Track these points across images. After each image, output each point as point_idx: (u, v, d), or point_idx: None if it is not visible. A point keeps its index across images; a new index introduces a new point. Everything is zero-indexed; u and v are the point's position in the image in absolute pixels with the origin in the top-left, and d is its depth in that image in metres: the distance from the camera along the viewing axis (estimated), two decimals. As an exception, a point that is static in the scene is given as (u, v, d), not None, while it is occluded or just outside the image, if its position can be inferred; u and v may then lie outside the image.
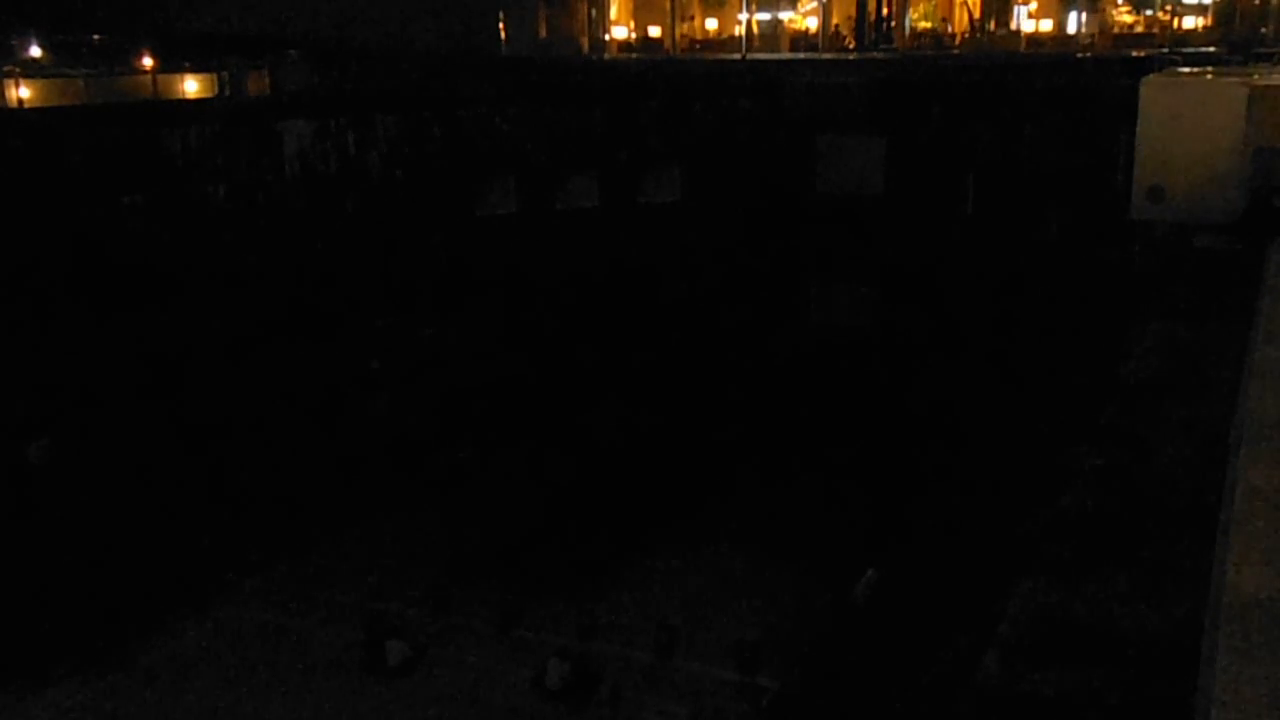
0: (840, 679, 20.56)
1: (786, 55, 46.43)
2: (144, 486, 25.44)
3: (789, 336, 32.12)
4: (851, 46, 49.07)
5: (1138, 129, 15.26)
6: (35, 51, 39.63)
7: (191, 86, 35.88)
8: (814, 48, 47.62)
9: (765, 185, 32.09)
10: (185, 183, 27.97)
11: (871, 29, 49.72)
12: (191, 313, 27.43)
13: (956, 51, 46.43)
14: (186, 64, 36.22)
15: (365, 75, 36.98)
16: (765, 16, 51.24)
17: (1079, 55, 38.28)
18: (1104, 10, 48.11)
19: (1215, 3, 46.24)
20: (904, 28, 49.68)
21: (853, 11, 50.57)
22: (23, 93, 32.12)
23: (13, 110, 30.90)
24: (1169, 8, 45.15)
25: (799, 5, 53.08)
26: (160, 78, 35.89)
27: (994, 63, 37.49)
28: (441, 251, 30.95)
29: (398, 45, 39.42)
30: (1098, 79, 29.36)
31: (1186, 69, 21.12)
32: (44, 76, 34.21)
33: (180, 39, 38.99)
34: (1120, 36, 46.15)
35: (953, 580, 18.44)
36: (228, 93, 34.77)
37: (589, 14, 47.62)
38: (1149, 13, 48.15)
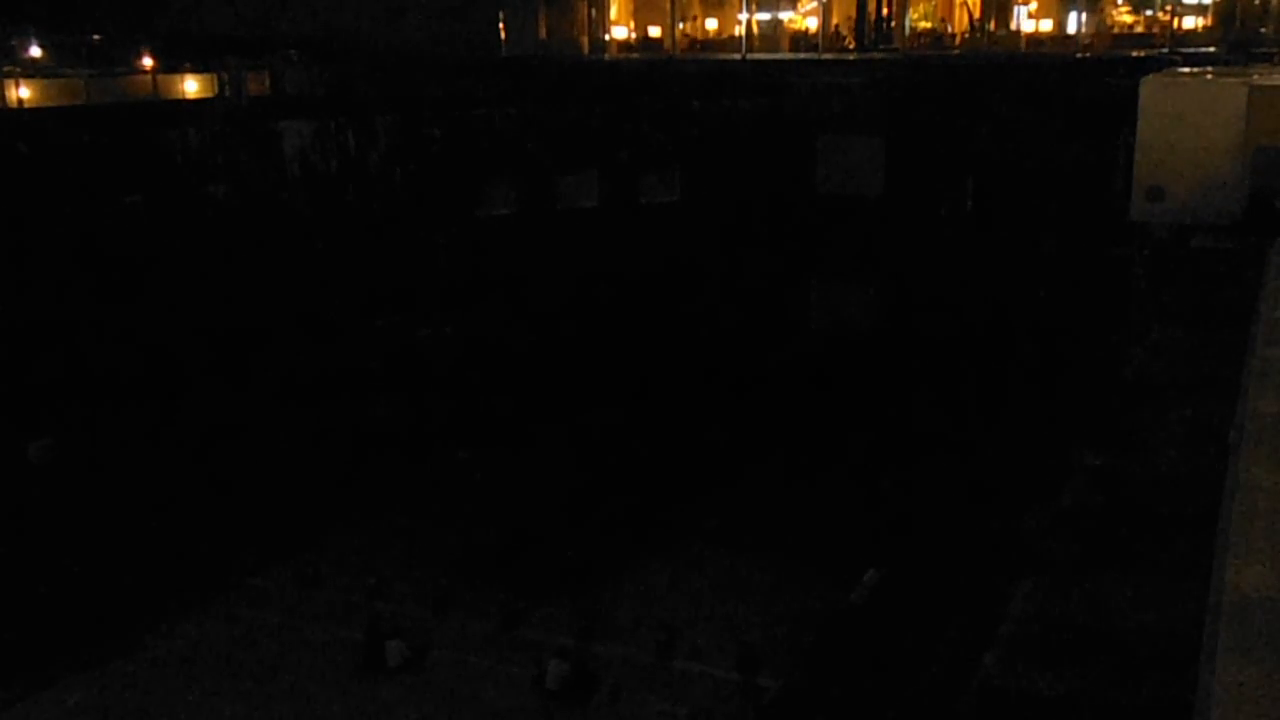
0: (840, 679, 20.53)
1: (787, 55, 46.40)
2: (145, 486, 25.45)
3: (789, 335, 32.12)
4: (851, 47, 49.00)
5: (1138, 129, 15.30)
6: (35, 51, 39.68)
7: (191, 86, 35.90)
8: (814, 48, 47.52)
9: (765, 185, 32.09)
10: (185, 183, 28.01)
11: (871, 29, 49.64)
12: (192, 313, 27.45)
13: (956, 52, 46.39)
14: (186, 64, 36.25)
15: (365, 76, 37.00)
16: (765, 16, 51.16)
17: (1079, 55, 38.25)
18: (1104, 10, 48.02)
19: (1215, 3, 46.15)
20: (904, 28, 49.57)
21: (853, 12, 50.46)
22: (23, 93, 32.14)
23: (13, 110, 30.93)
24: (1169, 8, 45.06)
25: (799, 5, 52.99)
26: (160, 78, 35.94)
27: (994, 63, 37.46)
28: (441, 252, 30.96)
29: (398, 46, 39.45)
30: (1097, 79, 29.37)
31: (1186, 69, 21.14)
32: (44, 76, 34.25)
33: (180, 39, 39.01)
34: (1120, 36, 46.10)
35: (953, 580, 18.47)
36: (228, 93, 34.77)
37: (589, 14, 47.59)
38: (1149, 13, 48.06)
